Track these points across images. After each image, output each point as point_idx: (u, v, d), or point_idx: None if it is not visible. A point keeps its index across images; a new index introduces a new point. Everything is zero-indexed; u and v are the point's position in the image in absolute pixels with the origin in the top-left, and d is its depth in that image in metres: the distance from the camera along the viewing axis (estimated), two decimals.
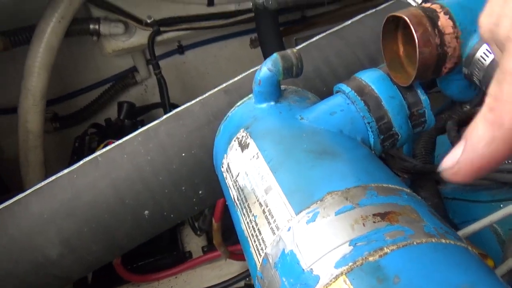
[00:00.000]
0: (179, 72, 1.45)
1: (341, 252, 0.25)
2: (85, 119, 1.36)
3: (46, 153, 1.07)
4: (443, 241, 0.26)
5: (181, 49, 1.41)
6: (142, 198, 0.46)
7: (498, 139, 0.19)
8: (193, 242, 1.05)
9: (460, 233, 0.46)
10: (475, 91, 0.46)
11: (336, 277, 0.24)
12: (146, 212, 0.47)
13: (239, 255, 0.88)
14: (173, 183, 0.47)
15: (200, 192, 0.49)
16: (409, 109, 0.42)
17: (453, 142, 0.53)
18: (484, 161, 0.20)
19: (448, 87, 0.46)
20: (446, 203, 0.57)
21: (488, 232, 0.52)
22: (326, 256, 0.26)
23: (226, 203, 0.42)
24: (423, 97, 0.42)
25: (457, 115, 0.57)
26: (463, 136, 0.21)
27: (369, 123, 0.40)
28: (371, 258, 0.24)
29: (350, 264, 0.24)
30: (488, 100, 0.20)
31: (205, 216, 0.96)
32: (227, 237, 0.83)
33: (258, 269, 0.30)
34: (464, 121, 0.55)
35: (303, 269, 0.26)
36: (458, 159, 0.21)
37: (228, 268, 0.96)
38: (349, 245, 0.26)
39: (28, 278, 0.45)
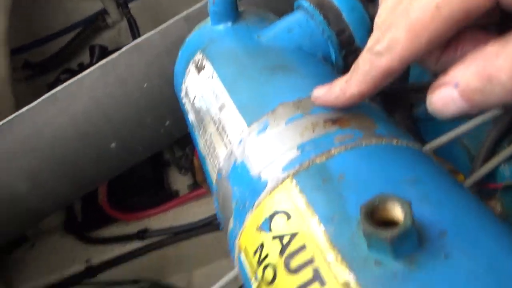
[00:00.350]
0: (155, 13, 1.39)
1: (289, 157, 0.25)
2: (58, 66, 1.32)
3: (19, 103, 1.04)
4: (394, 142, 0.26)
5: None
6: (104, 131, 0.45)
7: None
8: (180, 182, 1.05)
9: (427, 146, 0.46)
10: None
11: (283, 180, 0.24)
12: (113, 145, 0.46)
13: None
14: (136, 115, 0.46)
15: (166, 123, 0.48)
16: (372, 21, 0.40)
17: None
18: (363, 86, 0.24)
19: None
20: (420, 125, 0.57)
21: (459, 149, 0.52)
22: (273, 162, 0.25)
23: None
24: None
25: None
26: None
27: (329, 37, 0.39)
28: (317, 160, 0.24)
29: (297, 167, 0.24)
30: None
31: (187, 155, 0.96)
32: None
33: (214, 184, 0.30)
34: None
35: (252, 177, 0.26)
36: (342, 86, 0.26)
37: None
38: (297, 150, 0.25)
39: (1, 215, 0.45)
